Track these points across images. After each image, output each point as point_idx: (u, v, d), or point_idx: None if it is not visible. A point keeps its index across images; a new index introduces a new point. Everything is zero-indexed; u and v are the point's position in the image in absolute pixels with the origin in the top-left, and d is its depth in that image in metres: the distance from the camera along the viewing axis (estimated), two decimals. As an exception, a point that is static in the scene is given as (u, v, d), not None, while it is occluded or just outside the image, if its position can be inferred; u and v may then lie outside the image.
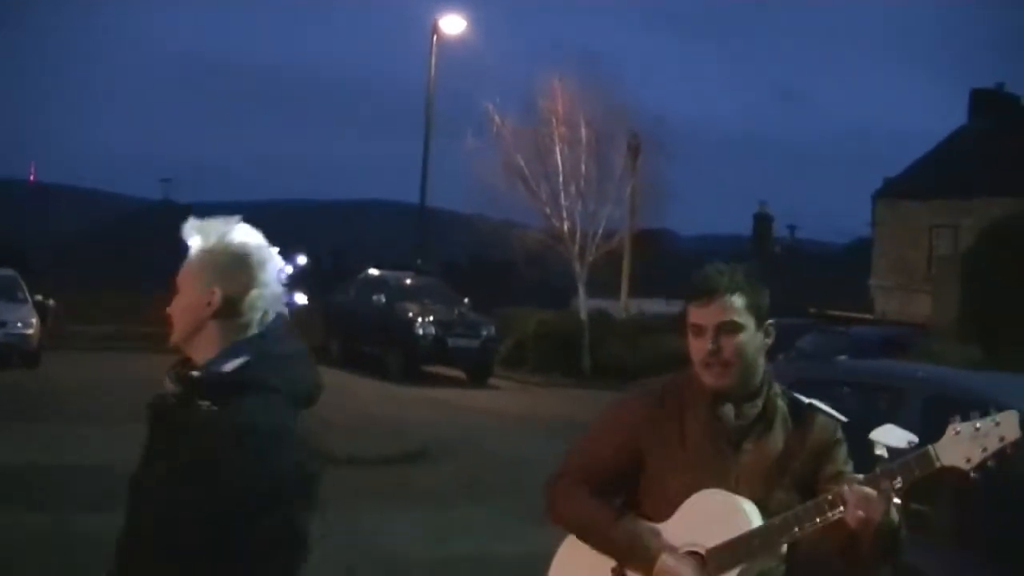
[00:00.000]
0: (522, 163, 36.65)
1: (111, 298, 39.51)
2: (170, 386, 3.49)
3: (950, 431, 3.62)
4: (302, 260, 31.31)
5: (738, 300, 3.97)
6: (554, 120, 36.60)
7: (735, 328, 3.94)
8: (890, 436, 3.91)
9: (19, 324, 27.35)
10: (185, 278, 3.58)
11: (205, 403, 3.35)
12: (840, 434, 4.08)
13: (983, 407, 6.08)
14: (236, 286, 3.53)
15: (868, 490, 3.64)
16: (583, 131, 36.41)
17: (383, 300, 32.10)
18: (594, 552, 4.10)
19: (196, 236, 3.60)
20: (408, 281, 34.86)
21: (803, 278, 55.52)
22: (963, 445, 3.60)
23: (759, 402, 4.02)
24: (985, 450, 3.59)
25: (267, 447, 3.36)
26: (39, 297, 29.75)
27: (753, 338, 3.98)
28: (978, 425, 3.60)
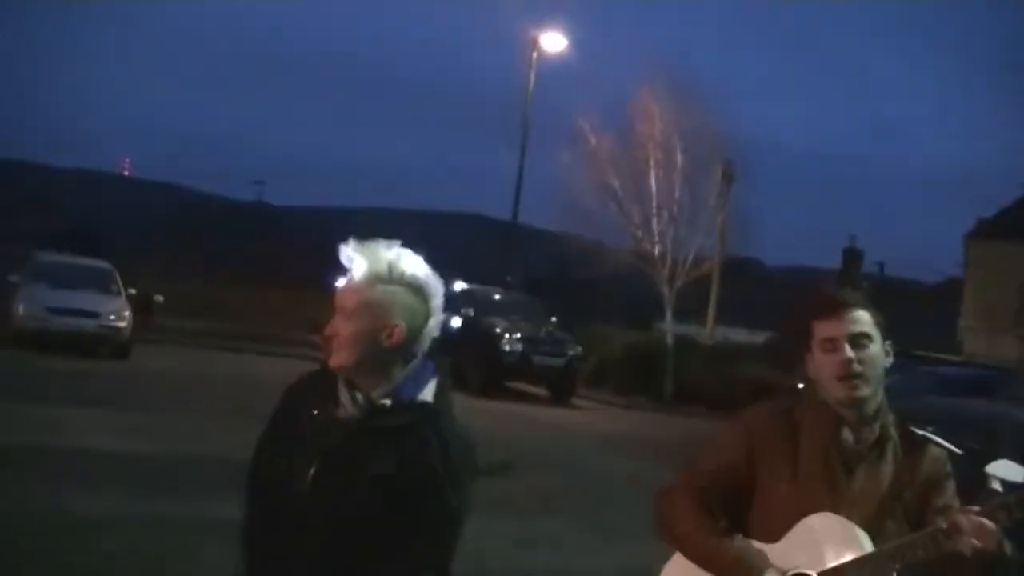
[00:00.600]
0: (616, 184, 36.76)
1: (202, 296, 40.04)
2: (350, 408, 3.75)
3: None
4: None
5: (865, 315, 4.04)
6: (650, 144, 36.66)
7: (867, 339, 3.99)
8: (1007, 470, 3.86)
9: (112, 316, 27.84)
10: (359, 305, 3.75)
11: (418, 430, 3.69)
12: (950, 468, 4.06)
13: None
14: (417, 321, 3.77)
15: (985, 520, 3.60)
16: (678, 156, 36.46)
17: (471, 314, 32.26)
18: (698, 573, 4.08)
19: (363, 261, 3.78)
20: (496, 296, 35.01)
21: (890, 316, 55.14)
22: None
23: (876, 427, 4.02)
24: None
25: (472, 463, 3.85)
26: (132, 291, 30.11)
27: (880, 352, 4.03)
28: None
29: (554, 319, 33.87)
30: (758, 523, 4.05)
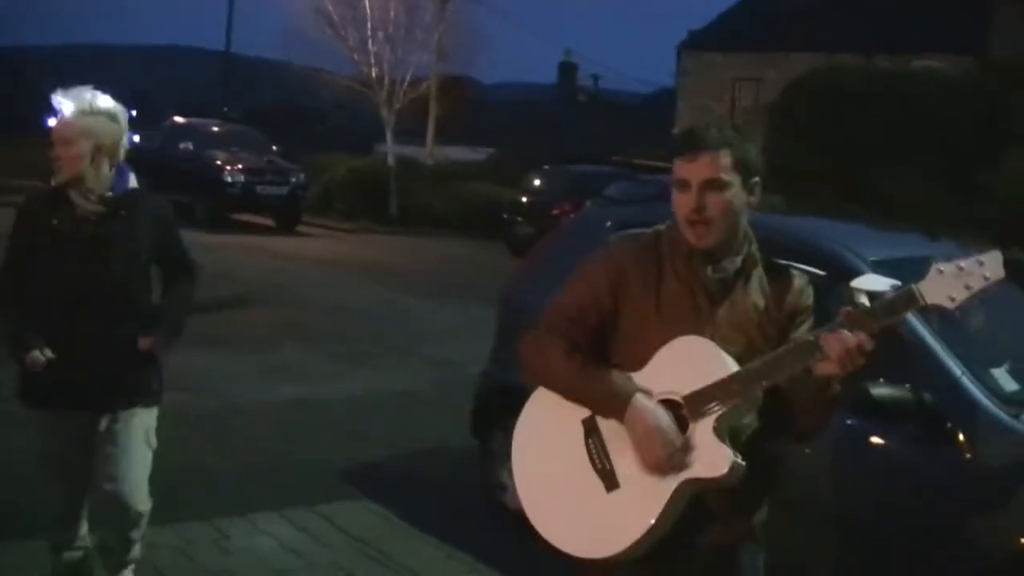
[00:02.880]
0: (330, 8, 36.33)
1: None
2: (92, 208, 5.59)
3: (933, 270, 3.60)
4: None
5: (725, 157, 3.83)
6: (363, -37, 36.29)
7: (721, 185, 3.82)
8: (873, 283, 3.79)
9: None
10: (74, 133, 5.52)
11: (139, 205, 5.77)
12: (812, 299, 4.07)
13: (807, 251, 6.40)
14: (116, 138, 5.64)
15: (851, 338, 3.61)
16: (392, -25, 36.21)
17: (191, 148, 31.62)
18: (563, 405, 4.01)
19: (70, 103, 5.54)
20: (215, 128, 34.41)
21: (606, 127, 56.00)
22: (947, 284, 3.57)
23: (738, 259, 3.94)
24: (968, 288, 3.57)
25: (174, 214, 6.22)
26: None
27: (738, 196, 3.86)
28: (962, 264, 3.57)
29: (275, 148, 33.49)
30: (624, 357, 3.98)
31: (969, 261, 3.57)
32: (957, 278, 3.57)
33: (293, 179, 31.40)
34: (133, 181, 5.75)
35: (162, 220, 5.91)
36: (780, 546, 5.12)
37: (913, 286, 3.62)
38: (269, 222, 31.21)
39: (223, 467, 9.17)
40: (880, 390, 5.52)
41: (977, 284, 3.56)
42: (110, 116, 5.60)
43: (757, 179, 3.93)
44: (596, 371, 3.94)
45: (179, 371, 11.51)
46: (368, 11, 36.24)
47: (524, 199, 29.54)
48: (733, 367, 3.77)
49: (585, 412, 3.96)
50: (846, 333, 3.60)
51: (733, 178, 3.84)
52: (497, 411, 8.29)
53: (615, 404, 3.85)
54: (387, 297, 19.44)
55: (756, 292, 3.95)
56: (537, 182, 30.36)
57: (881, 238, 7.70)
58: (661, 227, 4.08)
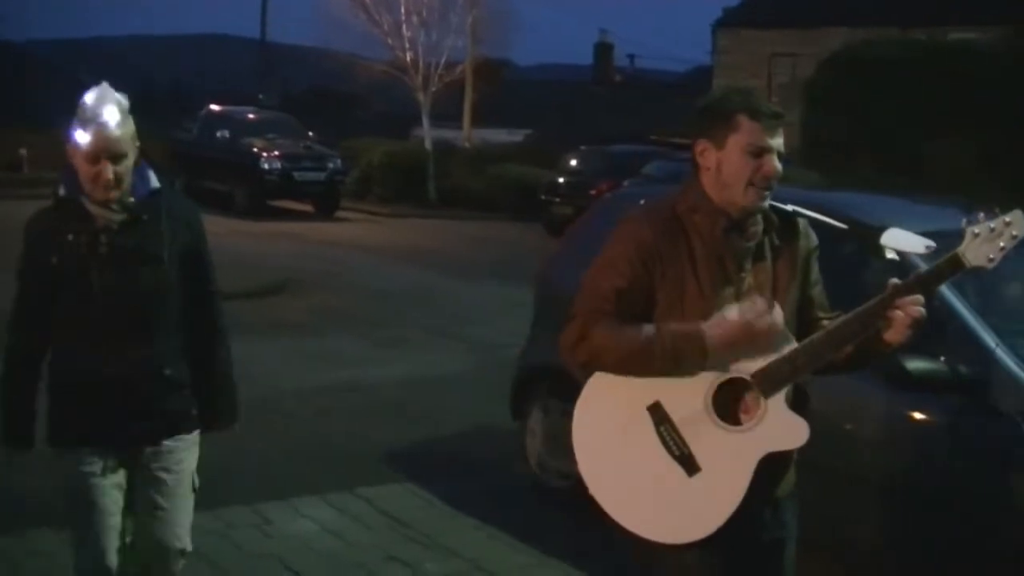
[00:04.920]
0: (363, -7, 36.37)
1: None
2: (115, 216, 4.79)
3: (969, 233, 3.78)
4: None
5: None
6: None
7: (781, 154, 3.92)
8: (901, 241, 3.99)
9: None
10: (127, 144, 4.73)
11: (164, 208, 4.93)
12: (816, 239, 4.18)
13: (854, 226, 6.37)
14: (135, 137, 4.81)
15: (917, 306, 3.80)
16: (425, -42, 36.21)
17: (227, 136, 31.75)
18: (623, 397, 3.95)
19: (113, 108, 4.69)
20: (251, 116, 34.45)
21: (644, 106, 55.84)
22: (984, 245, 3.77)
23: (759, 218, 3.97)
24: (1002, 248, 3.77)
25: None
26: None
27: None
28: (992, 225, 3.77)
29: (312, 134, 33.54)
30: None
31: (998, 221, 3.79)
32: (991, 239, 3.78)
33: (331, 164, 31.45)
34: (155, 180, 4.95)
35: (192, 227, 5.11)
36: (822, 517, 5.13)
37: (957, 251, 3.81)
38: (308, 208, 31.29)
39: (265, 452, 9.18)
40: (915, 363, 5.51)
41: (1008, 243, 3.79)
42: (130, 113, 4.80)
43: None
44: (656, 328, 3.86)
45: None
46: (401, -4, 36.27)
47: (561, 180, 29.45)
48: (794, 341, 3.86)
49: (649, 399, 3.90)
50: (915, 302, 3.80)
51: None
52: (534, 391, 8.34)
53: (689, 342, 3.80)
54: (427, 280, 19.46)
55: (771, 249, 4.01)
56: (574, 162, 30.27)
57: (920, 211, 7.64)
58: (670, 197, 4.08)
